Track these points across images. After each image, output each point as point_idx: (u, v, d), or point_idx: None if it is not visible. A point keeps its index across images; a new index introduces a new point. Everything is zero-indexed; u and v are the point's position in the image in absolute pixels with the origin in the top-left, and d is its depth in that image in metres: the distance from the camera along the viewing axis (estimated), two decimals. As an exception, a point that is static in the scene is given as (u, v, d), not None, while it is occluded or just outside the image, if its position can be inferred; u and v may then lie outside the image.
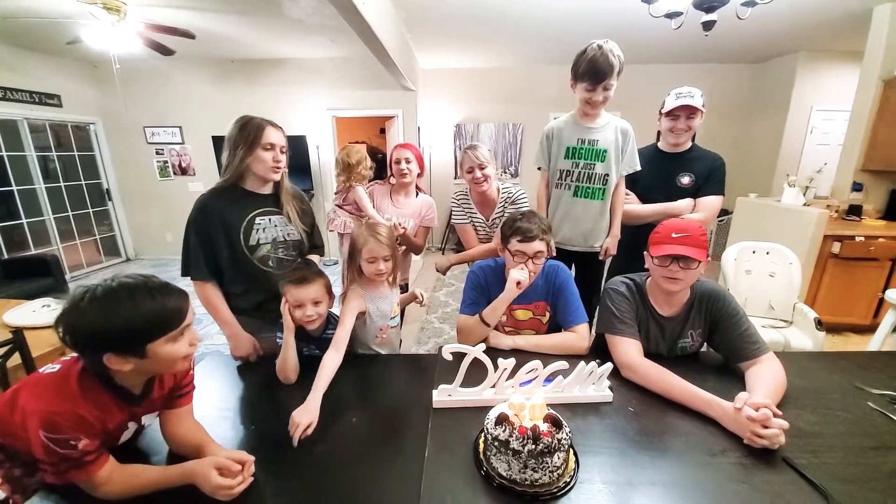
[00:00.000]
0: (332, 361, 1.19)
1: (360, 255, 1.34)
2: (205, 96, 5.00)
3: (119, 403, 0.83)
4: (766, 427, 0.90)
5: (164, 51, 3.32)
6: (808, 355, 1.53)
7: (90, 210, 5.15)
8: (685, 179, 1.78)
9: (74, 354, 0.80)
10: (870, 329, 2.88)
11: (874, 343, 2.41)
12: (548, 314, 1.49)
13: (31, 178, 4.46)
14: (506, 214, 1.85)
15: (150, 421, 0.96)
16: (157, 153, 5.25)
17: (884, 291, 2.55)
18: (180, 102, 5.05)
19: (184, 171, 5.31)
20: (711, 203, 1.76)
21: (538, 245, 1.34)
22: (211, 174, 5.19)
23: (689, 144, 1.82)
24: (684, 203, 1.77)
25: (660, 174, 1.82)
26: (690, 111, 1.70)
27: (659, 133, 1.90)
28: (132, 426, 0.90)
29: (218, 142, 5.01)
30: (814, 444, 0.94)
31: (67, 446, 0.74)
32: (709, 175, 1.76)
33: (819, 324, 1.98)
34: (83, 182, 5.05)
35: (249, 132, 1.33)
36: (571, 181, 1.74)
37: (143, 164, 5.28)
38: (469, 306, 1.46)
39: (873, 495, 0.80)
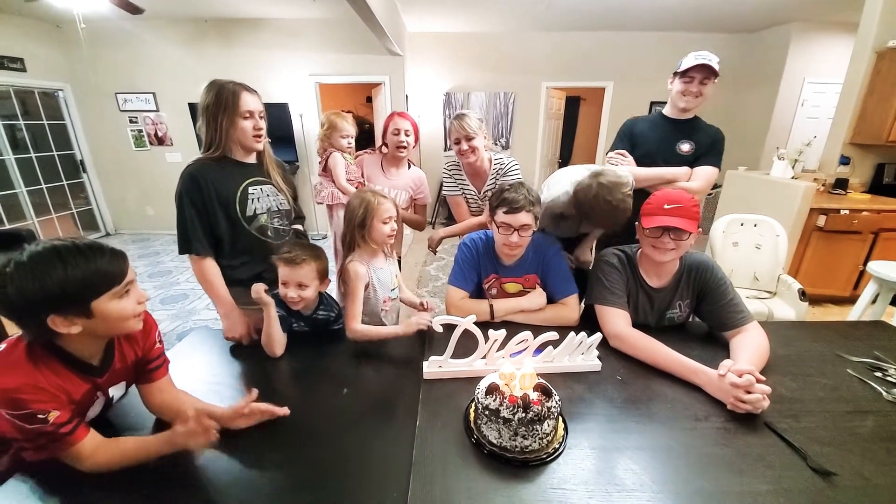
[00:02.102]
0: (365, 326, 1.28)
1: (376, 216, 1.32)
2: (178, 60, 4.73)
3: (78, 374, 0.81)
4: (749, 393, 0.92)
5: (132, 9, 3.09)
6: (791, 325, 1.56)
7: (64, 182, 4.94)
8: (685, 147, 1.74)
9: (19, 333, 0.76)
10: (849, 301, 2.97)
11: (854, 313, 2.49)
12: (538, 287, 1.48)
13: (-1, 147, 4.23)
14: (498, 185, 1.82)
15: (118, 393, 0.94)
16: (131, 121, 5.00)
17: (865, 264, 2.61)
18: (153, 67, 4.78)
19: (160, 141, 5.08)
20: (708, 173, 1.73)
21: (524, 217, 1.30)
22: (189, 144, 4.98)
23: (694, 114, 1.78)
24: (681, 170, 1.73)
25: (661, 139, 1.77)
26: (707, 73, 1.63)
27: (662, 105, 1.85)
28: (100, 398, 0.88)
29: (195, 109, 4.78)
30: (794, 409, 0.97)
31: (36, 421, 0.72)
32: (710, 146, 1.73)
33: (803, 295, 2.02)
34: (55, 153, 4.81)
35: (226, 100, 1.24)
36: None
37: (117, 134, 5.03)
38: (459, 279, 1.45)
39: (850, 457, 0.83)
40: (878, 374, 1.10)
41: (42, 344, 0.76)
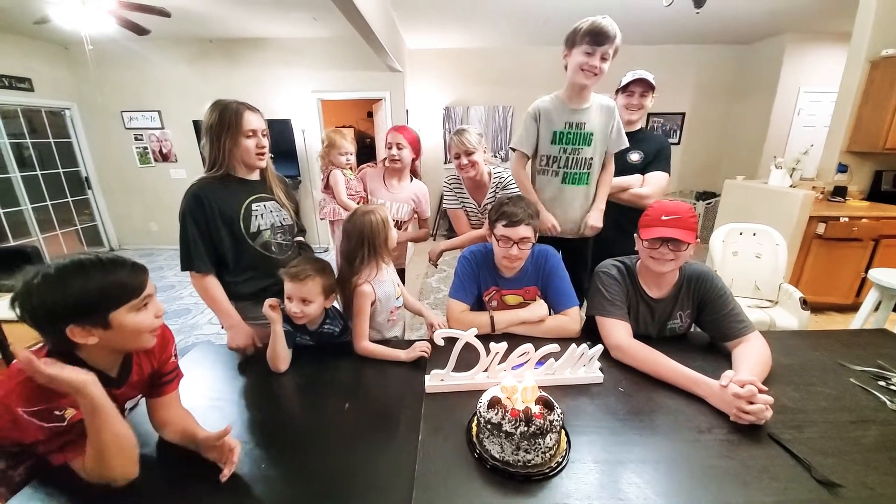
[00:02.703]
0: (373, 345, 1.30)
1: (390, 228, 1.38)
2: (183, 79, 4.83)
3: None
4: (751, 403, 0.92)
5: (139, 30, 3.17)
6: (793, 334, 1.56)
7: (69, 199, 4.99)
8: (634, 157, 1.87)
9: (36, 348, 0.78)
10: (852, 308, 2.96)
11: (857, 321, 2.47)
12: (538, 298, 1.49)
13: (5, 166, 4.29)
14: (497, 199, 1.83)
15: (131, 405, 0.95)
16: (137, 139, 5.08)
17: (866, 271, 2.60)
18: (158, 85, 4.87)
19: (165, 158, 5.15)
20: (658, 179, 1.84)
21: (524, 230, 1.32)
22: (193, 160, 5.05)
23: (640, 125, 1.92)
24: (633, 178, 1.85)
25: None
26: (645, 87, 1.80)
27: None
28: None
29: (199, 126, 4.86)
30: (797, 419, 0.96)
31: (53, 418, 0.72)
32: (657, 154, 1.86)
33: (804, 303, 2.02)
34: (61, 170, 4.88)
35: (229, 120, 1.27)
36: (559, 167, 1.68)
37: (123, 151, 5.11)
38: (460, 292, 1.46)
39: (854, 467, 0.82)
40: (882, 383, 1.10)
41: (61, 354, 0.77)
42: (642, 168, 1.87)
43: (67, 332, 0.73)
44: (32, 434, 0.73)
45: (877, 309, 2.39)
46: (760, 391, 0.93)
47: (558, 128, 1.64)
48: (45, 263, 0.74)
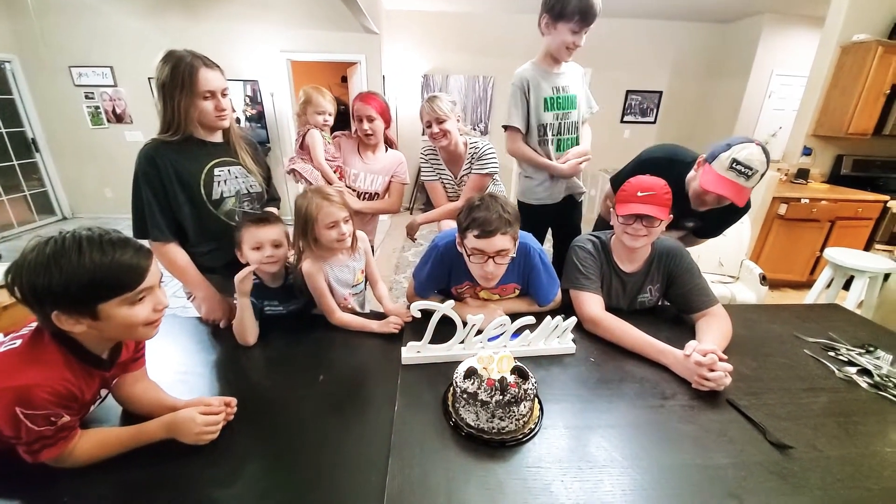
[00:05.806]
0: (347, 315, 1.29)
1: (317, 223, 1.21)
2: (138, 32, 4.42)
3: (91, 370, 0.76)
4: (712, 371, 0.96)
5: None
6: (752, 308, 1.64)
7: (15, 163, 4.60)
8: (690, 224, 1.54)
9: (28, 327, 0.74)
10: (806, 285, 3.15)
11: (810, 296, 2.64)
12: (517, 291, 1.37)
13: (-63, 124, 3.90)
14: (472, 170, 1.79)
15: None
16: (87, 97, 4.68)
17: (822, 251, 2.75)
18: (109, 39, 4.45)
19: (119, 119, 4.78)
20: (698, 243, 1.64)
21: (500, 242, 1.11)
22: (150, 122, 4.58)
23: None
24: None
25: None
26: (731, 195, 1.24)
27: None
28: (103, 394, 0.85)
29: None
30: (754, 387, 1.02)
31: (47, 422, 0.68)
32: (718, 223, 1.53)
33: (763, 279, 2.12)
34: (3, 130, 4.47)
35: (182, 77, 1.12)
36: (554, 135, 1.67)
37: (72, 110, 4.71)
38: (422, 285, 1.37)
39: (805, 430, 0.88)
40: (832, 353, 1.17)
41: (54, 334, 0.71)
42: (692, 230, 1.57)
43: (53, 317, 0.67)
44: (12, 430, 0.67)
45: (829, 286, 2.54)
46: (721, 359, 0.97)
47: (547, 94, 1.63)
48: (50, 235, 0.68)
